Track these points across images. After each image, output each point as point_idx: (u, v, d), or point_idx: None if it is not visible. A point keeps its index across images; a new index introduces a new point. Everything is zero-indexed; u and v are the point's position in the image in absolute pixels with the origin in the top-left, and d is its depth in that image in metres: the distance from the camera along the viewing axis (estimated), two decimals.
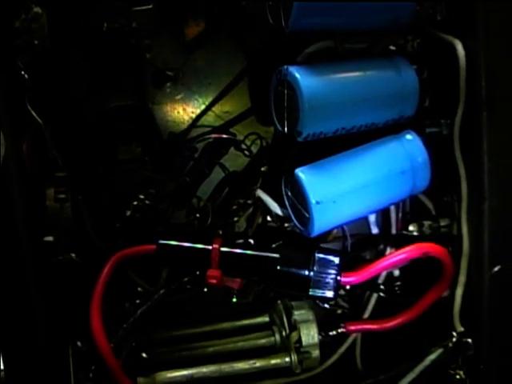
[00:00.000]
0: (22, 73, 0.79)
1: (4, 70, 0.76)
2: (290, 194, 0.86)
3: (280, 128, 0.83)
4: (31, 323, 0.79)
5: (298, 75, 0.78)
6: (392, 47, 0.90)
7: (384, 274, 0.98)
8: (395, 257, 0.86)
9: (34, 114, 0.80)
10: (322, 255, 0.84)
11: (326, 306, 0.97)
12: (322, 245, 0.91)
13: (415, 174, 0.86)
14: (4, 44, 0.78)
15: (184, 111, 0.97)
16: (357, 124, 0.83)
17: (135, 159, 0.94)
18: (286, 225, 0.94)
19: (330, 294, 0.84)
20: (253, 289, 0.95)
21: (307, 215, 0.81)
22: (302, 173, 0.82)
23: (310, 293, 0.84)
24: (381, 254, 0.99)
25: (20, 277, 0.77)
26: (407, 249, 0.86)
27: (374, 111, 0.84)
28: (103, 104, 0.93)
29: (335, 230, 0.95)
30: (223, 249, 0.84)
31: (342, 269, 0.85)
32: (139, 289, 0.94)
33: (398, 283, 1.00)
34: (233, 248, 0.85)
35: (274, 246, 0.86)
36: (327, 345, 0.95)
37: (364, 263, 0.87)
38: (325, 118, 0.80)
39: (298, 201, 0.83)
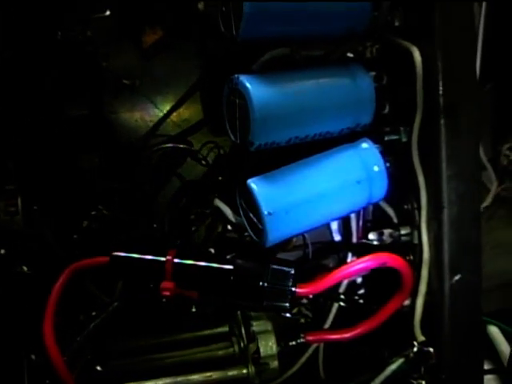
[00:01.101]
0: None
1: None
2: (244, 204, 0.85)
3: (233, 138, 0.82)
4: None
5: (248, 85, 0.77)
6: (350, 54, 0.89)
7: (345, 282, 0.97)
8: (352, 267, 0.85)
9: None
10: (276, 266, 0.83)
11: (288, 315, 0.96)
12: (282, 254, 0.90)
13: (371, 184, 0.85)
14: None
15: (142, 120, 0.97)
16: (310, 133, 0.82)
17: (94, 168, 0.93)
18: (246, 234, 0.92)
19: (285, 304, 0.82)
20: (213, 299, 0.93)
21: (260, 226, 0.80)
22: (253, 184, 0.81)
23: (265, 304, 0.82)
24: (342, 262, 0.97)
25: None
26: (364, 259, 0.85)
27: (329, 120, 0.84)
28: (60, 113, 0.92)
29: (295, 239, 0.94)
30: (177, 260, 0.83)
31: (300, 279, 0.84)
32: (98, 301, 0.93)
33: (361, 291, 0.99)
34: (187, 259, 0.84)
35: (228, 257, 0.85)
36: (288, 355, 0.94)
37: (323, 272, 0.86)
38: (277, 127, 0.79)
39: (252, 212, 0.82)
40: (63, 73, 0.91)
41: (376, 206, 0.94)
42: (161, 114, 0.97)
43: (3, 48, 0.82)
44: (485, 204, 1.02)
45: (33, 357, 0.84)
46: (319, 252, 1.00)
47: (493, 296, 0.94)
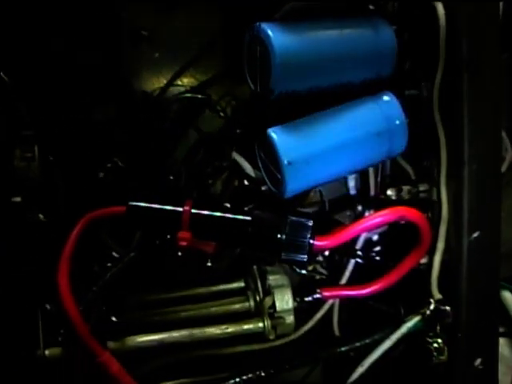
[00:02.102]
0: None
1: None
2: (263, 155, 0.84)
3: (253, 86, 0.82)
4: None
5: (270, 32, 0.76)
6: (371, 7, 0.88)
7: (362, 239, 0.96)
8: (370, 220, 0.84)
9: (0, 73, 0.78)
10: (294, 218, 0.82)
11: (304, 271, 0.95)
12: (298, 209, 0.90)
13: (392, 136, 0.84)
14: None
15: (159, 72, 0.95)
16: (331, 82, 0.82)
17: (110, 120, 0.92)
18: (263, 188, 0.92)
19: (303, 257, 0.82)
20: (228, 253, 0.93)
21: (279, 176, 0.80)
22: (274, 133, 0.80)
23: (283, 256, 0.82)
24: (359, 218, 0.96)
25: None
26: (383, 212, 0.84)
27: (350, 69, 0.83)
28: (76, 61, 0.91)
29: (312, 194, 0.93)
30: (194, 211, 0.82)
31: (317, 232, 0.83)
32: (113, 252, 0.92)
33: (377, 248, 0.99)
34: (204, 210, 0.83)
35: (246, 208, 0.84)
36: (303, 311, 0.94)
37: (340, 227, 0.85)
38: (297, 75, 0.78)
39: (271, 162, 0.82)
40: (82, 21, 0.90)
41: (394, 162, 0.94)
42: (179, 66, 0.95)
43: None
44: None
45: (47, 306, 0.84)
46: (336, 208, 0.99)
47: (506, 262, 0.92)
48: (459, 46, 0.81)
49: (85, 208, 0.85)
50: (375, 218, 0.84)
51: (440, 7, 0.82)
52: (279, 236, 0.81)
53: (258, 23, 0.78)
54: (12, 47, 0.83)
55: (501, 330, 0.94)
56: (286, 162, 0.78)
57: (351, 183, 0.98)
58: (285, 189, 0.80)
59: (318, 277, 0.99)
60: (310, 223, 0.82)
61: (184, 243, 0.82)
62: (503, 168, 1.02)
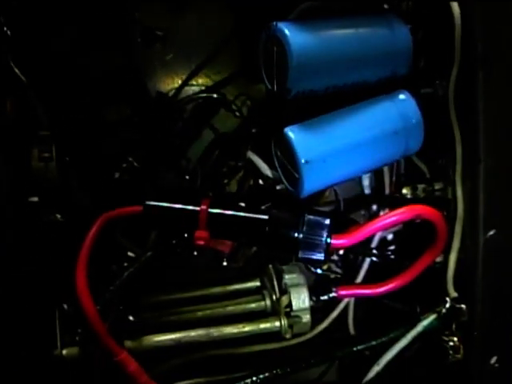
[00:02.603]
0: (5, 29, 0.77)
1: None
2: (279, 154, 0.84)
3: (269, 86, 0.82)
4: (15, 287, 0.78)
5: (287, 31, 0.76)
6: (386, 6, 0.88)
7: (377, 238, 0.96)
8: (387, 219, 0.84)
9: (18, 72, 0.79)
10: (311, 217, 0.82)
11: (319, 271, 0.96)
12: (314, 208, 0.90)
13: (408, 135, 0.84)
14: None
15: (174, 71, 0.96)
16: (348, 81, 0.82)
17: (124, 120, 0.92)
18: (278, 187, 0.92)
19: (320, 256, 0.82)
20: (244, 252, 0.93)
21: (296, 175, 0.80)
22: (291, 131, 0.80)
23: (300, 255, 0.82)
24: (374, 217, 0.96)
25: (4, 238, 0.76)
26: (399, 211, 0.84)
27: (366, 68, 0.83)
28: (91, 63, 0.91)
29: (327, 193, 0.94)
30: (211, 210, 0.82)
31: (333, 231, 0.83)
32: (129, 252, 0.92)
33: (392, 247, 0.99)
34: (221, 209, 0.83)
35: (263, 207, 0.84)
36: (319, 309, 0.94)
37: (356, 226, 0.86)
38: (314, 74, 0.78)
39: (288, 161, 0.82)
40: (96, 22, 0.90)
41: (409, 160, 0.94)
42: (193, 66, 0.95)
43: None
44: None
45: (65, 306, 0.84)
46: (351, 207, 1.00)
47: None
48: (474, 45, 0.81)
49: (101, 208, 0.85)
50: (392, 217, 0.84)
51: (455, 7, 0.82)
52: (296, 235, 0.81)
53: (274, 23, 0.78)
54: (28, 48, 0.83)
55: None
56: (303, 160, 0.78)
57: (365, 182, 0.98)
58: (302, 188, 0.80)
59: (332, 276, 0.98)
60: (327, 222, 0.82)
61: (201, 242, 0.82)
62: None
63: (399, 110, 0.84)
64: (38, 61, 0.86)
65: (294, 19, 0.82)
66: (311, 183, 0.80)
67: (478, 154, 0.82)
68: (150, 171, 0.92)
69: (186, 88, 0.95)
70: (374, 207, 0.99)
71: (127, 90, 0.93)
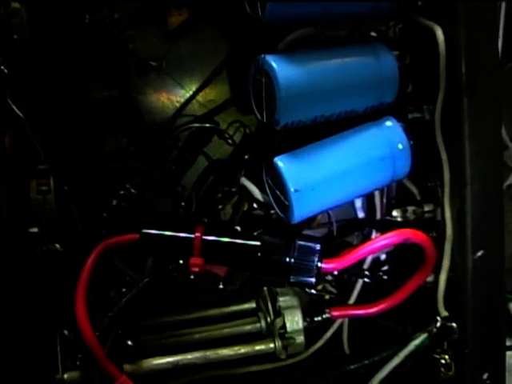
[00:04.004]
0: (2, 68, 0.80)
1: None
2: (270, 182, 0.86)
3: (259, 117, 0.84)
4: (17, 314, 0.80)
5: (274, 64, 0.78)
6: (373, 33, 0.90)
7: (370, 258, 0.98)
8: (376, 243, 0.86)
9: (15, 109, 0.81)
10: (302, 242, 0.84)
11: (313, 291, 0.97)
12: (306, 231, 0.92)
13: (395, 161, 0.86)
14: None
15: (168, 100, 0.98)
16: (335, 111, 0.84)
17: (121, 149, 0.94)
18: (272, 211, 0.94)
19: (311, 280, 0.84)
20: (239, 275, 0.95)
21: (287, 203, 0.82)
22: (280, 161, 0.83)
23: (292, 279, 0.84)
24: (366, 239, 0.98)
25: (5, 268, 0.78)
26: (388, 235, 0.86)
27: (353, 98, 0.85)
28: (87, 95, 0.93)
29: (320, 216, 0.96)
30: (205, 237, 0.85)
31: (325, 255, 0.85)
32: (127, 277, 0.95)
33: (385, 268, 1.01)
34: (215, 236, 0.85)
35: (255, 233, 0.86)
36: (313, 330, 0.96)
37: (347, 249, 0.88)
38: (302, 106, 0.80)
39: (278, 189, 0.84)
40: (91, 55, 0.92)
41: (399, 183, 0.96)
42: (187, 95, 0.98)
43: (30, 31, 0.83)
44: (507, 183, 1.02)
45: (65, 332, 0.86)
46: (343, 229, 1.02)
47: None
48: (458, 71, 0.82)
49: (100, 235, 0.88)
50: (381, 241, 0.86)
51: (439, 32, 0.83)
52: (288, 260, 0.84)
53: (262, 55, 0.80)
54: (25, 84, 0.85)
55: (508, 341, 0.95)
56: (292, 189, 0.81)
57: (358, 204, 1.00)
58: (292, 215, 0.82)
59: (327, 296, 1.00)
60: (318, 247, 0.84)
61: (196, 269, 0.85)
62: (510, 179, 1.04)
63: (386, 136, 0.86)
64: (35, 95, 0.88)
65: (282, 51, 0.83)
66: (301, 211, 0.82)
67: (464, 178, 0.84)
68: (146, 198, 0.94)
69: (181, 116, 0.97)
70: (367, 229, 1.00)
71: (123, 120, 0.95)
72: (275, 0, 0.75)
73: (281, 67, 0.78)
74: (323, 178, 0.83)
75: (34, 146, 0.84)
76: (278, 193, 0.84)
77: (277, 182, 0.84)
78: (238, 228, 0.93)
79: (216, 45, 0.97)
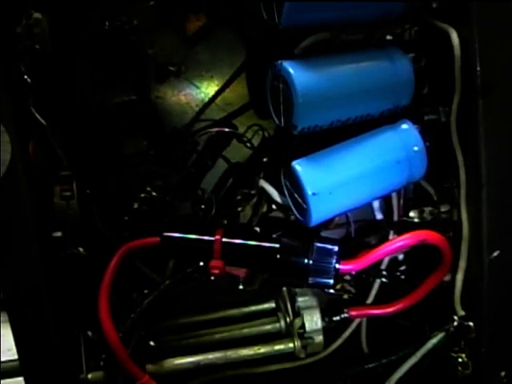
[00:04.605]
0: (25, 77, 0.81)
1: (7, 75, 0.78)
2: (288, 185, 0.87)
3: (277, 121, 0.85)
4: (43, 315, 0.82)
5: (291, 70, 0.79)
6: (389, 37, 0.91)
7: (387, 258, 0.99)
8: (393, 245, 0.87)
9: (38, 117, 0.83)
10: (320, 244, 0.86)
11: (332, 291, 0.99)
12: (325, 232, 0.93)
13: (411, 164, 0.87)
14: (6, 49, 0.80)
15: (187, 104, 0.99)
16: (352, 116, 0.85)
17: (140, 153, 0.96)
18: (291, 213, 0.95)
19: (329, 281, 0.86)
20: (259, 276, 0.97)
21: (305, 206, 0.83)
22: (298, 165, 0.84)
23: (310, 281, 0.86)
24: (384, 240, 0.99)
25: (30, 271, 0.80)
26: (405, 236, 0.87)
27: (369, 102, 0.86)
28: (107, 100, 0.95)
29: (338, 217, 0.97)
30: (225, 240, 0.87)
31: (343, 256, 0.87)
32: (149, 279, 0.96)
33: (402, 268, 1.02)
34: (235, 238, 0.87)
35: (274, 235, 0.88)
36: (332, 329, 0.97)
37: (365, 250, 0.89)
38: (319, 111, 0.82)
39: (296, 192, 0.85)
40: (110, 61, 0.94)
41: (417, 184, 0.96)
42: (206, 99, 0.99)
43: (50, 43, 0.85)
44: None
45: (89, 333, 0.88)
46: (361, 230, 1.03)
47: None
48: (474, 74, 0.83)
49: (122, 239, 0.90)
50: (397, 243, 0.87)
51: (454, 35, 0.84)
52: (306, 262, 0.85)
53: (279, 61, 0.81)
54: (47, 91, 0.87)
55: None
56: (310, 193, 0.82)
57: (376, 205, 1.01)
58: (310, 218, 0.84)
59: (346, 295, 1.02)
60: (335, 249, 0.86)
61: (216, 271, 0.86)
62: None
63: (402, 139, 0.87)
64: (56, 102, 0.89)
65: (298, 57, 0.85)
66: (319, 214, 0.84)
67: (480, 180, 0.85)
68: (167, 201, 0.95)
69: (200, 120, 0.99)
70: (384, 229, 1.01)
71: (142, 124, 0.97)
72: (291, 5, 0.75)
73: (298, 73, 0.79)
74: (340, 181, 0.84)
75: (57, 153, 0.86)
76: (296, 196, 0.85)
77: (295, 185, 0.85)
78: (258, 229, 0.94)
79: (234, 49, 0.98)
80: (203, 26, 0.96)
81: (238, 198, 0.97)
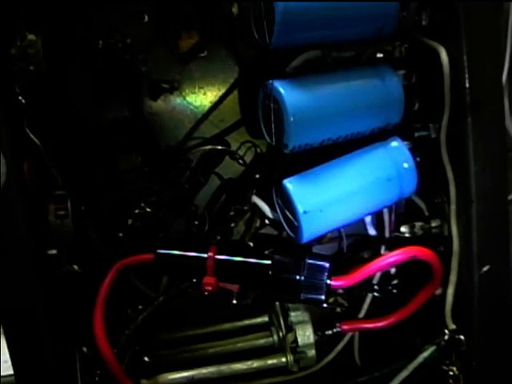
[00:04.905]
0: (19, 98, 0.82)
1: (2, 96, 0.79)
2: (280, 203, 0.88)
3: (268, 140, 0.86)
4: (38, 332, 0.83)
5: (282, 90, 0.80)
6: (380, 54, 0.92)
7: (379, 273, 1.00)
8: (383, 261, 0.88)
9: (33, 137, 0.84)
10: (312, 261, 0.87)
11: (325, 305, 0.99)
12: (317, 246, 0.94)
13: (401, 181, 0.88)
14: (1, 71, 0.81)
15: (180, 121, 1.00)
16: (342, 134, 0.85)
17: (135, 169, 0.97)
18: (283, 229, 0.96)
19: (321, 297, 0.87)
20: (252, 290, 0.97)
21: (296, 224, 0.84)
22: (289, 183, 0.85)
23: (302, 297, 0.87)
24: (376, 255, 1.00)
25: (26, 289, 0.81)
26: (395, 253, 0.88)
27: (360, 121, 0.86)
28: (102, 117, 0.96)
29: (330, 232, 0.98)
30: (218, 256, 0.87)
31: (335, 271, 0.87)
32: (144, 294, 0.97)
33: (394, 282, 1.02)
34: (227, 255, 0.88)
35: (266, 252, 0.89)
36: (324, 343, 0.98)
37: (357, 265, 0.90)
38: (310, 130, 0.82)
39: (288, 210, 0.86)
40: (104, 79, 0.95)
41: (408, 199, 0.97)
42: (199, 115, 1.00)
43: (44, 64, 0.85)
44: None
45: (84, 349, 0.89)
46: (353, 245, 1.04)
47: None
48: (463, 91, 0.84)
49: (116, 255, 0.90)
50: (388, 258, 0.88)
51: (443, 53, 0.85)
52: (298, 278, 0.86)
53: (270, 81, 0.82)
54: (40, 112, 0.88)
55: None
56: (301, 211, 0.83)
57: (368, 219, 1.02)
58: (301, 235, 0.85)
59: (338, 309, 1.02)
60: (327, 265, 0.87)
61: (209, 288, 0.87)
62: None
63: (392, 157, 0.88)
64: (51, 122, 0.90)
65: (289, 75, 0.85)
66: (310, 231, 0.85)
67: (469, 196, 0.86)
68: (161, 217, 0.96)
69: (193, 137, 1.00)
70: (376, 244, 1.02)
71: (136, 140, 0.98)
72: (282, 27, 0.76)
73: (288, 93, 0.80)
74: (331, 199, 0.85)
75: (52, 172, 0.87)
76: (288, 214, 0.86)
77: (286, 203, 0.86)
78: (251, 244, 0.95)
79: (226, 66, 1.00)
80: (196, 43, 0.96)
81: (231, 213, 0.98)
